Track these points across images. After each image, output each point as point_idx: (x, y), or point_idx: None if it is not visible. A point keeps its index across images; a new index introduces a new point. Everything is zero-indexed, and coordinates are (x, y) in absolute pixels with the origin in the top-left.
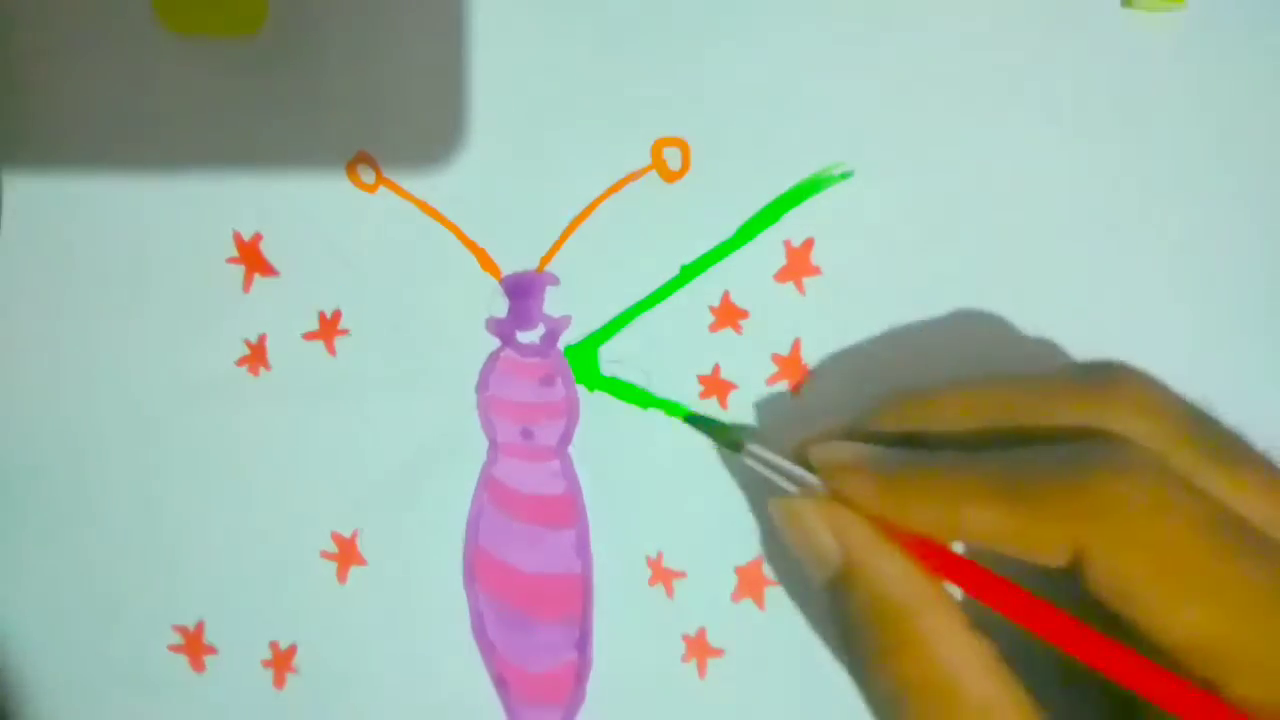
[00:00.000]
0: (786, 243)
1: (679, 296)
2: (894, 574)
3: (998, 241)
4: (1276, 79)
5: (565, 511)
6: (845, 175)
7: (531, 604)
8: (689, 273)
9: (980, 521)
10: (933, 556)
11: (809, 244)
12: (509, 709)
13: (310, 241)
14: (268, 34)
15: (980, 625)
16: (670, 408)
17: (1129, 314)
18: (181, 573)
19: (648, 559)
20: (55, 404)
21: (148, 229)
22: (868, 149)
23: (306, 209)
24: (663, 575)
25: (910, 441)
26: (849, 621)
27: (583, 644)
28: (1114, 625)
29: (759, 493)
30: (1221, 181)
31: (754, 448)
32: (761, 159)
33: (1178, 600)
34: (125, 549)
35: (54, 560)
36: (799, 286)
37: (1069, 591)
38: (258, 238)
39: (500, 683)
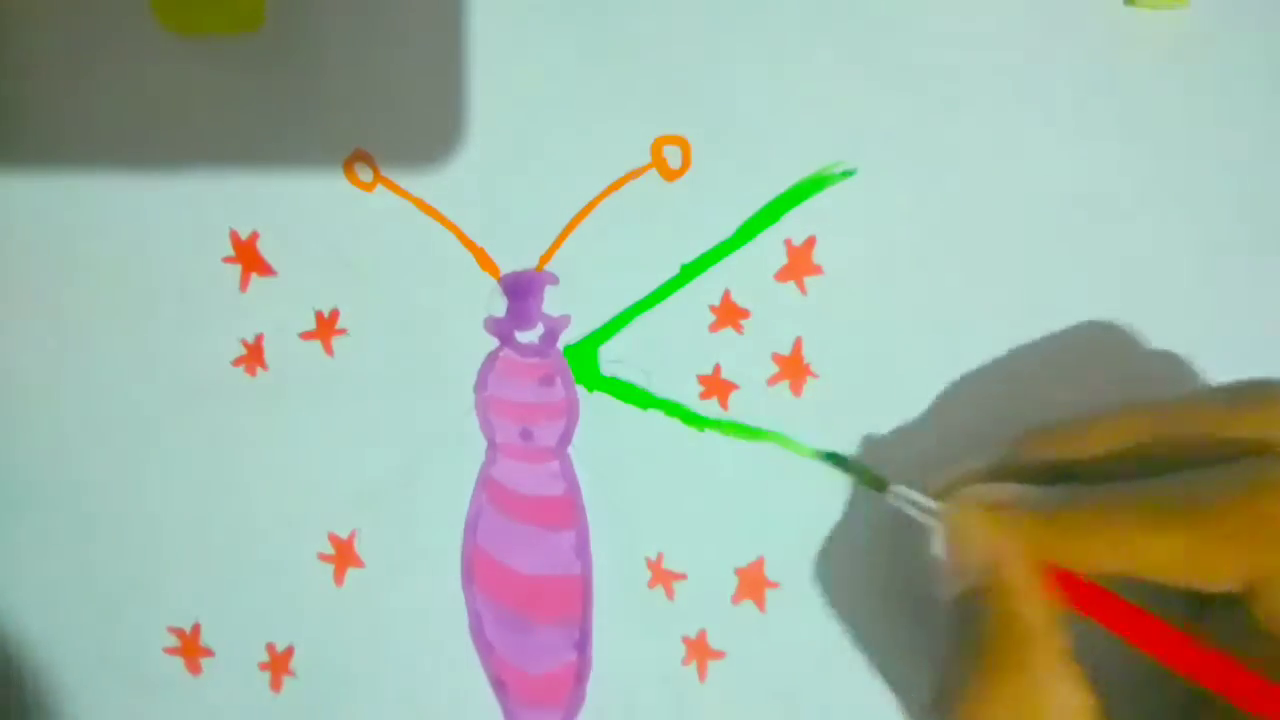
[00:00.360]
0: (788, 241)
1: (679, 296)
2: (1034, 602)
3: (999, 240)
4: (1279, 78)
5: (564, 512)
6: (847, 174)
7: (530, 606)
8: (689, 272)
9: (1154, 550)
10: (1078, 595)
11: (810, 243)
12: (508, 711)
13: (308, 241)
14: (266, 33)
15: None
16: (670, 408)
17: (1129, 312)
18: (178, 574)
19: (648, 560)
20: (50, 404)
21: (144, 227)
22: (869, 147)
23: (304, 208)
24: (663, 577)
25: (1057, 478)
26: (963, 637)
27: (582, 646)
28: (1269, 663)
29: (760, 494)
30: (1224, 180)
31: (899, 489)
32: (762, 157)
33: None
34: (121, 550)
35: (50, 562)
36: (800, 286)
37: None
38: (255, 237)
39: (499, 685)
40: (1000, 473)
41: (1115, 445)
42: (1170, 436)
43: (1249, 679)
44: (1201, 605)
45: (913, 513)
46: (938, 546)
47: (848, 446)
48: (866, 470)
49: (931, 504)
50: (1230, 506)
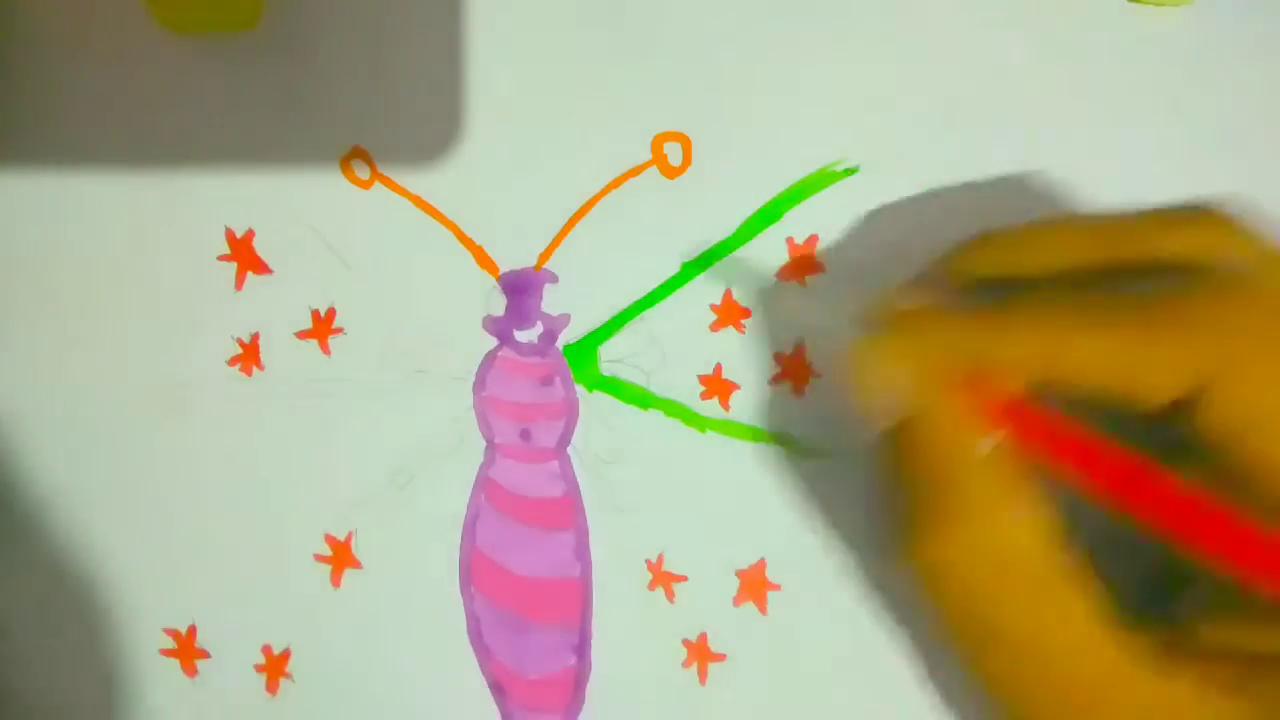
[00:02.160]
0: (789, 240)
1: (680, 295)
2: (962, 429)
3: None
4: None
5: (564, 514)
6: (850, 171)
7: (529, 608)
8: (690, 270)
9: (1091, 352)
10: (1008, 415)
11: (812, 241)
12: (506, 714)
13: (304, 239)
14: (263, 30)
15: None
16: (671, 408)
17: None
18: (173, 575)
19: (648, 562)
20: (45, 403)
21: (139, 225)
22: (871, 145)
23: (300, 205)
24: (663, 579)
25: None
26: (900, 478)
27: (581, 649)
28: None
29: (761, 495)
30: (1227, 177)
31: (804, 285)
32: (764, 154)
33: None
34: (116, 551)
35: (44, 563)
36: (802, 284)
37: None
38: (250, 234)
39: (497, 688)
40: (927, 288)
41: (1051, 259)
42: (1106, 252)
43: (1195, 496)
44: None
45: (827, 317)
46: (855, 372)
47: (849, 447)
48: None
49: (835, 301)
50: (1174, 305)
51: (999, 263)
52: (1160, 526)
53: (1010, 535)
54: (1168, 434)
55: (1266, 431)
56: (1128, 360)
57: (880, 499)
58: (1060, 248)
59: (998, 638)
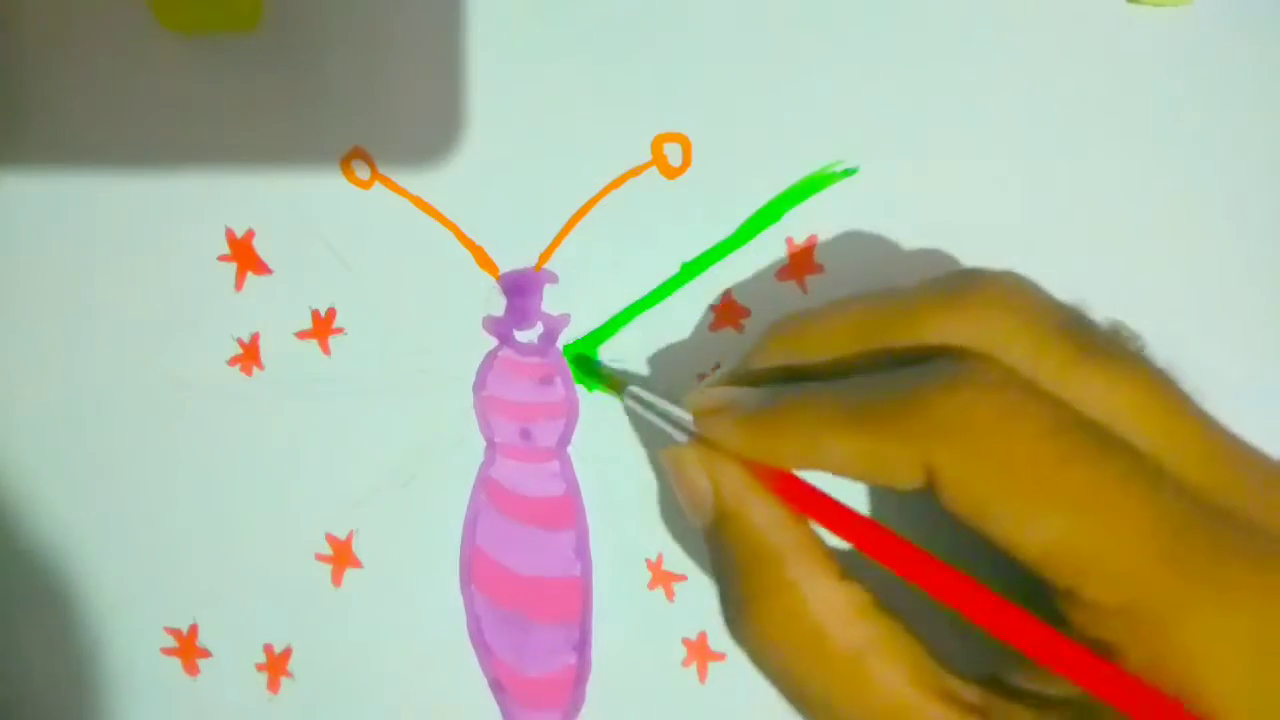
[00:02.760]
0: (789, 240)
1: (679, 295)
2: (764, 519)
3: (1000, 239)
4: None
5: (564, 513)
6: (849, 172)
7: (530, 607)
8: (690, 270)
9: (836, 450)
10: (802, 499)
11: (812, 241)
12: (507, 713)
13: (304, 239)
14: (263, 31)
15: (856, 569)
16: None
17: (1130, 309)
18: (174, 575)
19: (648, 562)
20: (46, 402)
21: (139, 225)
22: (871, 145)
23: (300, 206)
24: (663, 578)
25: (789, 378)
26: (721, 568)
27: (582, 648)
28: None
29: None
30: (1227, 178)
31: (635, 389)
32: (764, 155)
33: (1029, 510)
34: (117, 551)
35: (45, 562)
36: (801, 285)
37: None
38: (250, 235)
39: (498, 687)
40: (738, 377)
41: (836, 342)
42: (874, 339)
43: (960, 580)
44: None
45: (652, 418)
46: (671, 480)
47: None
48: (607, 373)
49: (667, 407)
50: (897, 404)
51: (783, 354)
52: (925, 589)
53: (816, 607)
54: None
55: (990, 518)
56: (866, 455)
57: (716, 584)
58: (834, 335)
59: (817, 705)
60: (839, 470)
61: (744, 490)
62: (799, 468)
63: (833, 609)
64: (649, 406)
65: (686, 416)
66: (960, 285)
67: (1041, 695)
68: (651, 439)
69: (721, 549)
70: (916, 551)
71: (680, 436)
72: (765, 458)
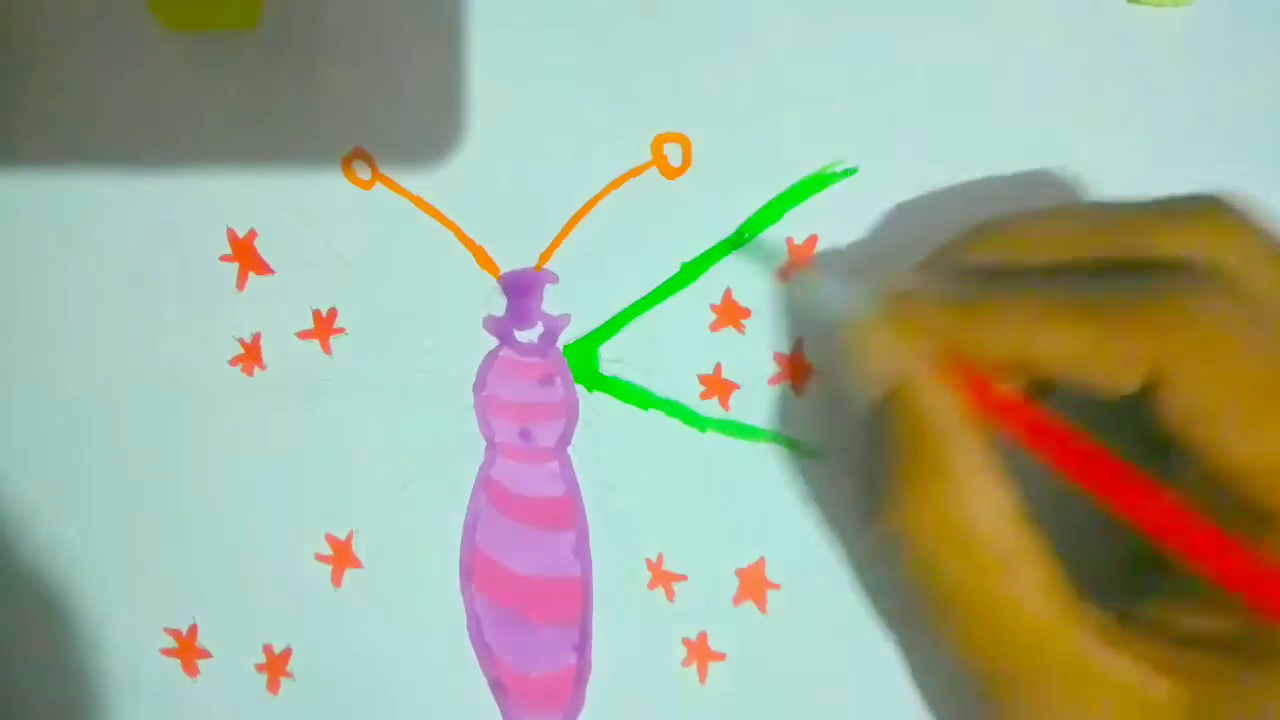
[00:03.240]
0: (789, 240)
1: (680, 295)
2: (942, 405)
3: None
4: None
5: (564, 513)
6: (849, 172)
7: (530, 607)
8: (690, 270)
9: (1053, 341)
10: (984, 400)
11: (812, 241)
12: (507, 713)
13: (305, 239)
14: (263, 30)
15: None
16: (671, 408)
17: None
18: (174, 575)
19: (648, 562)
20: (45, 403)
21: (140, 226)
22: (871, 145)
23: (302, 206)
24: (663, 578)
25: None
26: (880, 448)
27: (582, 648)
28: (1167, 470)
29: (761, 494)
30: (1228, 178)
31: (804, 273)
32: (764, 155)
33: (1260, 424)
34: (116, 551)
35: (45, 562)
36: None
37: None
38: (252, 235)
39: (498, 687)
40: (923, 274)
41: (1046, 250)
42: (1100, 245)
43: (1150, 489)
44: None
45: (822, 301)
46: (843, 352)
47: (849, 446)
48: (771, 251)
49: (839, 289)
50: (1134, 300)
51: (995, 252)
52: (1113, 507)
53: (973, 503)
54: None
55: (1212, 423)
56: (1087, 351)
57: (863, 468)
58: (1055, 239)
59: (954, 600)
60: (1047, 364)
61: (928, 371)
62: (1002, 359)
63: (991, 508)
64: (818, 289)
65: (861, 306)
66: (1203, 204)
67: (1178, 630)
68: (649, 440)
69: (888, 426)
70: (1118, 464)
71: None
72: (970, 346)
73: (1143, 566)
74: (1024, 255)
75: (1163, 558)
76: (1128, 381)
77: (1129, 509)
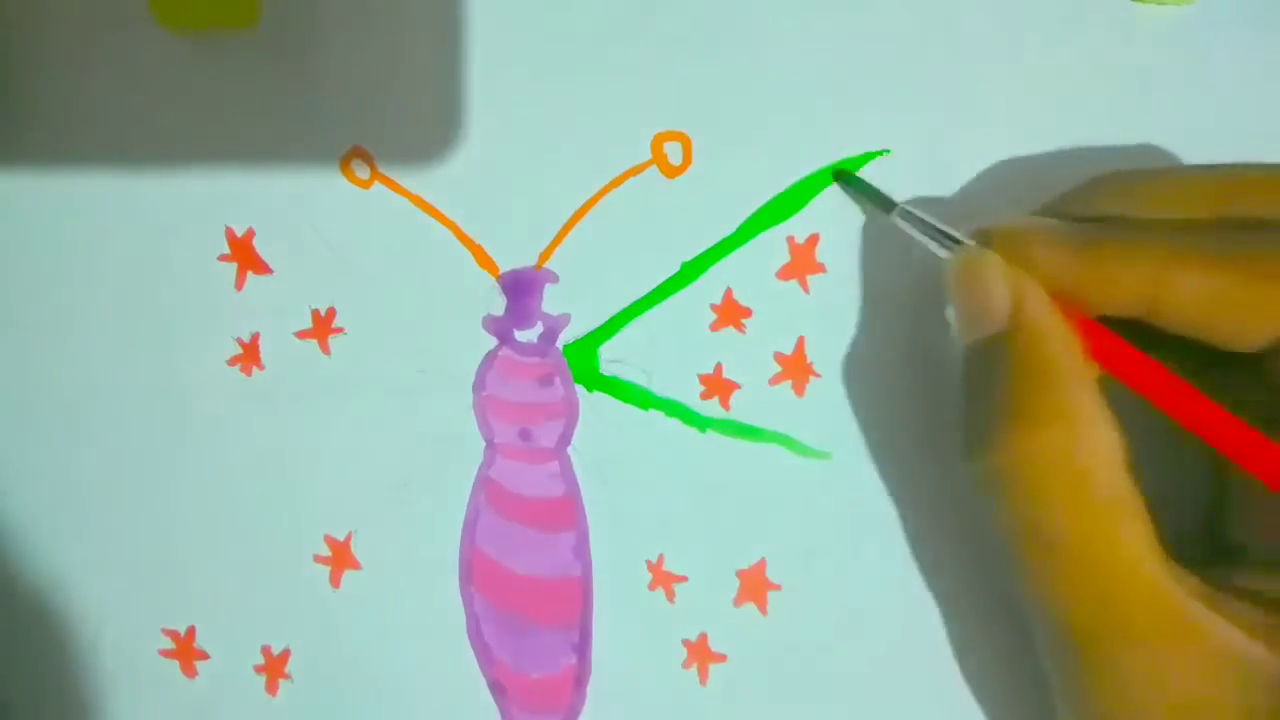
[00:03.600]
0: (790, 239)
1: (680, 294)
2: (1060, 343)
3: None
4: None
5: (564, 514)
6: (881, 152)
7: (529, 608)
8: (690, 270)
9: (1186, 285)
10: (1099, 343)
11: (813, 240)
12: (506, 715)
13: (304, 238)
14: (262, 29)
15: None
16: (671, 408)
17: None
18: (172, 576)
19: (648, 563)
20: (43, 403)
21: (138, 225)
22: (872, 144)
23: (301, 205)
24: (663, 579)
25: None
26: (990, 384)
27: (582, 649)
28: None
29: (762, 495)
30: None
31: (909, 207)
32: (764, 155)
33: None
34: (115, 552)
35: (44, 563)
36: (803, 284)
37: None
38: (250, 234)
39: (497, 689)
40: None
41: (1166, 207)
42: (1221, 206)
43: (1262, 442)
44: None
45: (923, 238)
46: (951, 285)
47: (850, 446)
48: (872, 188)
49: (946, 228)
50: (1275, 253)
51: (1114, 205)
52: (1227, 455)
53: (1090, 447)
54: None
55: None
56: (1221, 297)
57: (965, 405)
58: (1177, 196)
59: (1054, 542)
60: (1177, 310)
61: (1048, 308)
62: (1129, 301)
63: (1109, 453)
64: (924, 226)
65: (970, 244)
66: None
67: (1264, 595)
68: (649, 440)
69: (1001, 362)
70: (1229, 416)
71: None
72: (1097, 285)
73: (1228, 537)
74: (1145, 210)
75: (1250, 528)
76: (1255, 335)
77: (1242, 459)
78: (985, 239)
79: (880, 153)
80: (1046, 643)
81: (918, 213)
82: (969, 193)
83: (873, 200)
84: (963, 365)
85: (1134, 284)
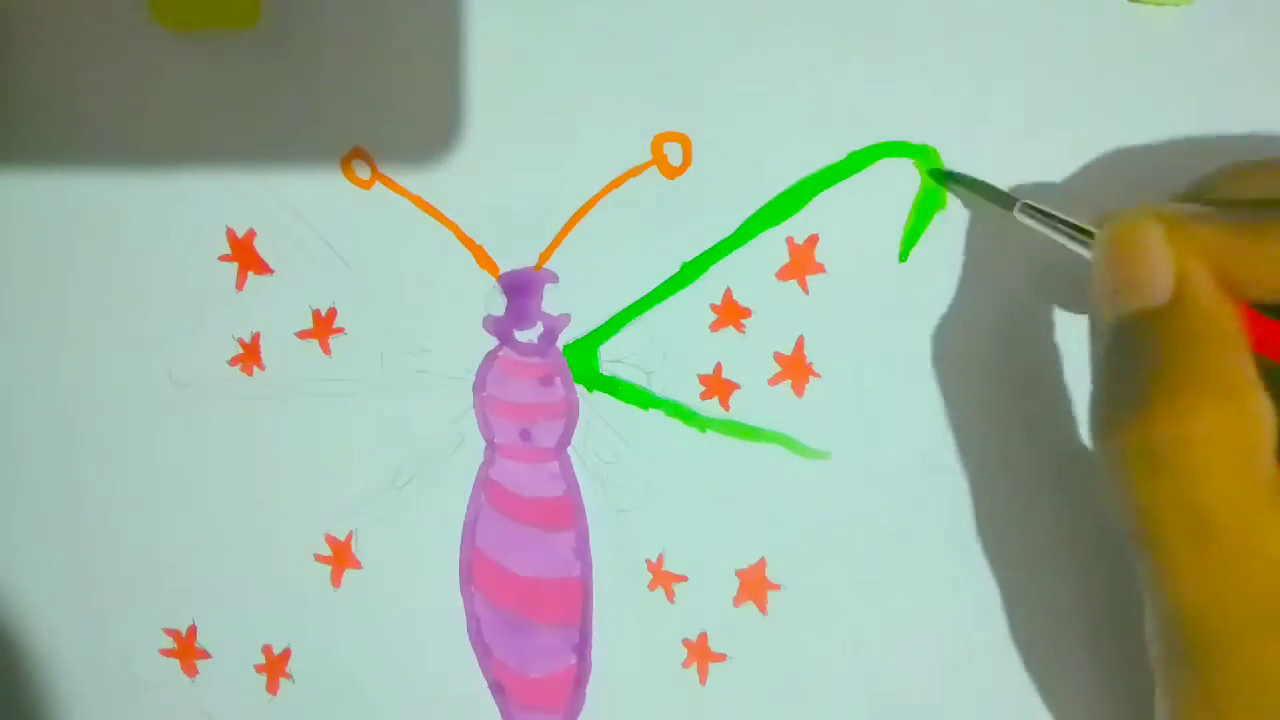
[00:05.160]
0: (789, 240)
1: (680, 295)
2: (1229, 316)
3: (1001, 238)
4: None
5: (564, 514)
6: (886, 148)
7: (529, 608)
8: (690, 270)
9: None
10: (1255, 324)
11: (813, 241)
12: (506, 715)
13: (305, 239)
14: (262, 29)
15: None
16: (671, 408)
17: None
18: (173, 575)
19: (648, 562)
20: (45, 403)
21: (139, 226)
22: (870, 145)
23: (301, 206)
24: (663, 579)
25: None
26: (1143, 359)
27: (582, 649)
28: None
29: (762, 495)
30: None
31: (1032, 202)
32: (764, 154)
33: None
34: (116, 551)
35: (43, 563)
36: (802, 284)
37: None
38: (251, 235)
39: (497, 689)
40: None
41: None
42: None
43: None
44: None
45: (1052, 233)
46: (1095, 262)
47: (850, 446)
48: (987, 185)
49: (1075, 221)
50: None
51: (1264, 189)
52: None
53: (1257, 427)
54: None
55: None
56: None
57: (1103, 381)
58: None
59: (1209, 526)
60: None
61: (1213, 283)
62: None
63: (1268, 433)
64: (1049, 219)
65: (1094, 230)
66: None
67: None
68: (650, 440)
69: (1160, 336)
70: None
71: (1083, 251)
72: (1257, 265)
73: None
74: None
75: None
76: None
77: None
78: (1135, 214)
79: (883, 148)
80: (1172, 634)
81: (1043, 207)
82: (966, 196)
83: (989, 197)
84: (1104, 339)
85: None
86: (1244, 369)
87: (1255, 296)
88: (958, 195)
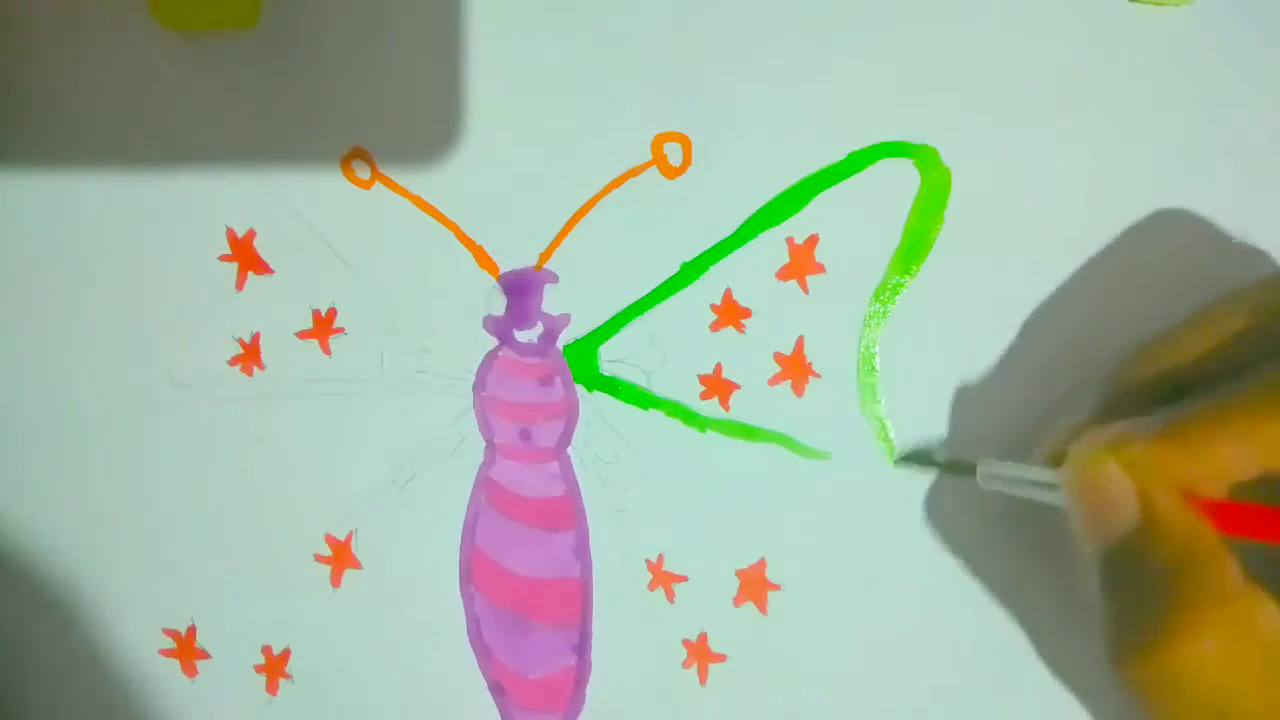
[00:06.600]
0: (789, 240)
1: (680, 295)
2: (1199, 529)
3: (1000, 238)
4: None
5: (564, 514)
6: (888, 146)
7: (529, 608)
8: (690, 270)
9: None
10: (1221, 515)
11: (812, 241)
12: (506, 715)
13: (305, 239)
14: (262, 30)
15: None
16: (671, 408)
17: (1132, 307)
18: (173, 576)
19: (648, 562)
20: (45, 403)
21: (140, 225)
22: (869, 145)
23: (301, 206)
24: (663, 579)
25: (1165, 400)
26: (1138, 585)
27: (581, 649)
28: None
29: (761, 495)
30: (1227, 177)
31: (988, 466)
32: (764, 154)
33: None
34: (116, 551)
35: (44, 563)
36: (802, 284)
37: None
38: (251, 235)
39: (497, 689)
40: (1104, 413)
41: (1215, 341)
42: (1269, 321)
43: None
44: None
45: (1013, 489)
46: (1068, 506)
47: (850, 446)
48: (946, 461)
49: (1039, 472)
50: None
51: (1167, 358)
52: None
53: (1265, 620)
54: None
55: None
56: None
57: (1106, 612)
58: (1223, 327)
59: None
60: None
61: (1177, 497)
62: (1237, 472)
63: (1273, 615)
64: (1011, 480)
65: (1048, 475)
66: None
67: None
68: (649, 440)
69: (1145, 559)
70: None
71: (1052, 499)
72: (1201, 470)
73: None
74: (1185, 360)
75: None
76: None
77: None
78: (1059, 460)
79: (883, 148)
80: None
81: (1004, 472)
82: (965, 196)
83: (950, 471)
84: (1098, 572)
85: (1236, 449)
86: (1229, 574)
87: (1216, 491)
88: (916, 472)
